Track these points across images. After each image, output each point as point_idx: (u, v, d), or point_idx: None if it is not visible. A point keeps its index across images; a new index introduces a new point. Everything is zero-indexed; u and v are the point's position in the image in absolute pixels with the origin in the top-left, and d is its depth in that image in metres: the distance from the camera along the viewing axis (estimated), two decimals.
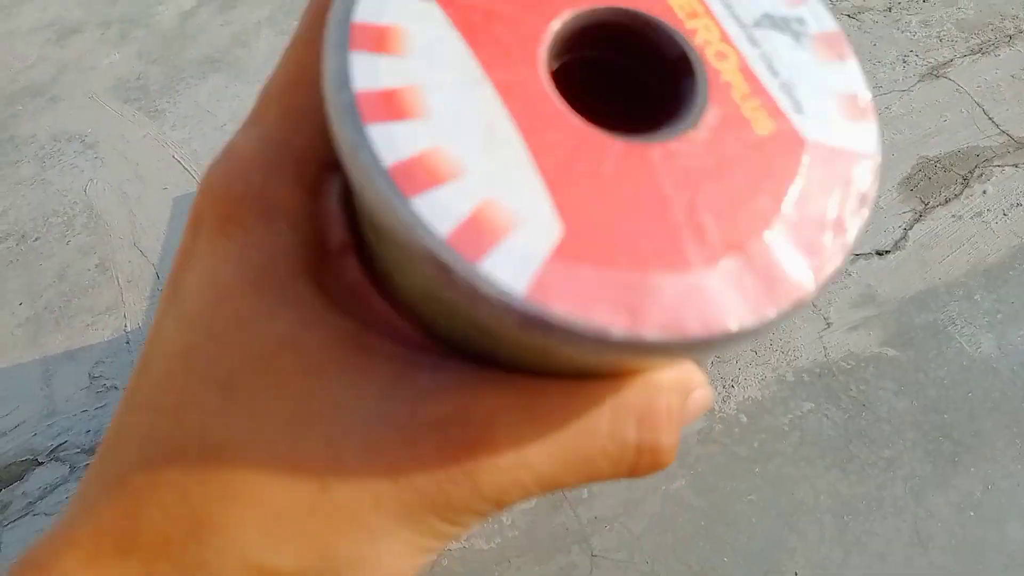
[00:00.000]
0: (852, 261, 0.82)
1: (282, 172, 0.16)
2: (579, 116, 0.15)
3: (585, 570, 0.66)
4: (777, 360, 0.75)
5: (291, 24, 1.12)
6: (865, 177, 0.15)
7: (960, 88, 0.99)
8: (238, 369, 0.15)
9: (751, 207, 0.14)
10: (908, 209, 0.86)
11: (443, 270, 0.13)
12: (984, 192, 0.87)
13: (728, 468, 0.70)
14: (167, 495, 0.14)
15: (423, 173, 0.13)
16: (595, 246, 0.13)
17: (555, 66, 0.15)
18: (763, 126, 0.15)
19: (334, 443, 0.14)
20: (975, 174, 0.89)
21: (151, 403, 0.15)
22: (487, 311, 0.13)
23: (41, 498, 0.71)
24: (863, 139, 0.15)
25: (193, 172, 0.94)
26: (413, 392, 0.15)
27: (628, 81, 0.17)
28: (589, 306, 0.13)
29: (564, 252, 0.13)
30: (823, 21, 0.16)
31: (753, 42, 0.15)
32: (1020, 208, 0.86)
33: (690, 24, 0.15)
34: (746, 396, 0.73)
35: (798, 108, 0.15)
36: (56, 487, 0.72)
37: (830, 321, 0.77)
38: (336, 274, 0.16)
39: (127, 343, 0.83)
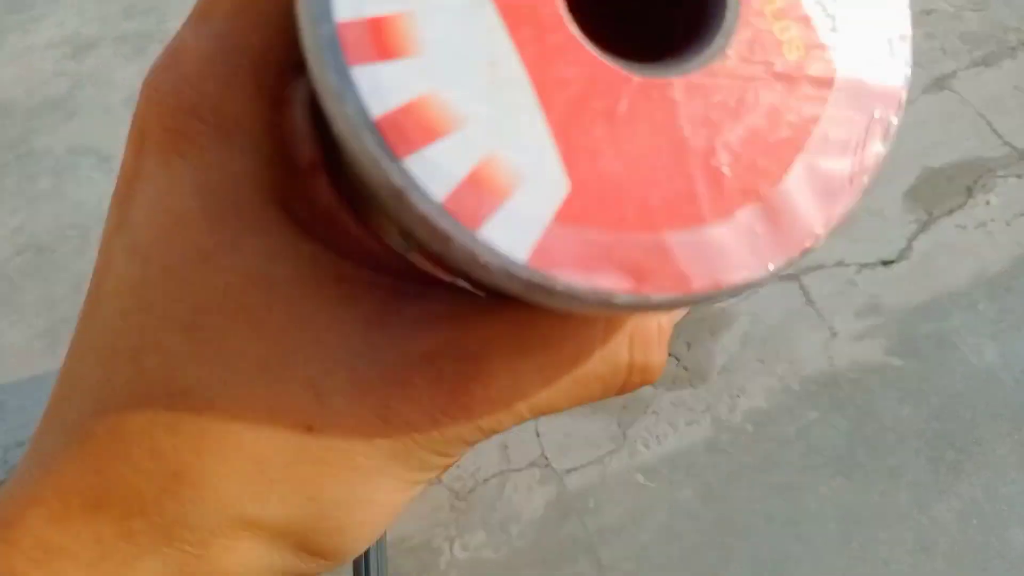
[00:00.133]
0: (857, 271, 0.83)
1: (239, 79, 0.14)
2: (593, 43, 0.13)
3: None
4: (783, 370, 0.76)
5: None
6: (890, 114, 0.14)
7: (964, 99, 1.00)
8: (202, 308, 0.13)
9: (772, 148, 0.13)
10: (913, 219, 0.87)
11: (439, 235, 0.12)
12: (988, 203, 0.88)
13: (735, 477, 0.70)
14: (134, 448, 0.13)
15: (417, 126, 0.12)
16: (603, 205, 0.12)
17: None
18: (794, 49, 0.13)
19: (317, 383, 0.13)
20: (979, 185, 0.90)
21: (105, 346, 0.14)
22: (486, 275, 0.12)
23: None
24: (894, 73, 0.14)
25: None
26: (399, 325, 0.14)
27: None
28: (594, 272, 0.12)
29: (570, 213, 0.12)
30: None
31: None
32: (1021, 219, 0.86)
33: None
34: (752, 406, 0.74)
35: (834, 27, 0.14)
36: None
37: (836, 331, 0.78)
38: (306, 196, 0.15)
39: None
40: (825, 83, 0.13)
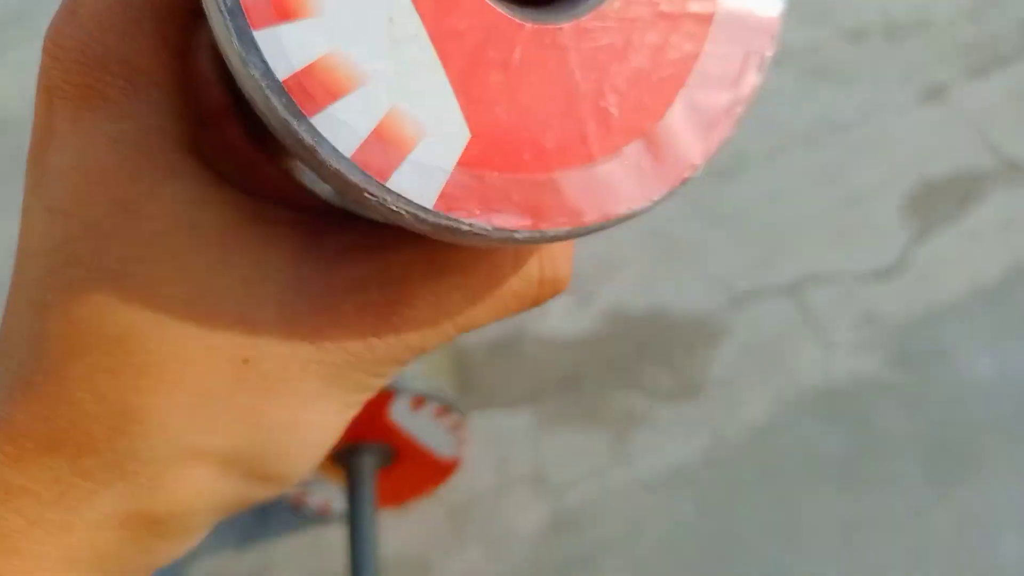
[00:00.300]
0: (853, 282, 0.83)
1: (142, 28, 0.14)
2: None
3: None
4: (781, 382, 0.76)
5: None
6: (765, 47, 0.14)
7: (959, 110, 1.00)
8: (129, 258, 0.14)
9: (656, 86, 0.14)
10: (908, 230, 0.88)
11: (350, 186, 0.13)
12: (981, 214, 0.88)
13: (732, 490, 0.71)
14: (76, 393, 0.14)
15: (321, 86, 0.13)
16: (501, 150, 0.13)
17: None
18: None
19: (249, 318, 0.14)
20: (973, 195, 0.90)
21: (37, 301, 0.14)
22: (399, 220, 0.13)
23: None
24: (770, 6, 0.15)
25: None
26: (323, 258, 0.15)
27: None
28: (495, 212, 0.13)
29: (471, 159, 0.13)
30: None
31: None
32: (1016, 229, 0.87)
33: None
34: (750, 418, 0.74)
35: None
36: None
37: (832, 343, 0.78)
38: (219, 142, 0.16)
39: None
40: (705, 19, 0.14)
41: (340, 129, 0.13)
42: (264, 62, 0.13)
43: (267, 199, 0.15)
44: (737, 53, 0.14)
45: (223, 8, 0.13)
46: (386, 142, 0.13)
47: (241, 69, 0.13)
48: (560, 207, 0.14)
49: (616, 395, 0.77)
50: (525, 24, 0.13)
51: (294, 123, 0.13)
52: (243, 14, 0.12)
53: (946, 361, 0.76)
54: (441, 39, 0.13)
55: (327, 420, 0.15)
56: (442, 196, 0.13)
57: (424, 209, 0.13)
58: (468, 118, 0.13)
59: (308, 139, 0.13)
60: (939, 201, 0.90)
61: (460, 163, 0.13)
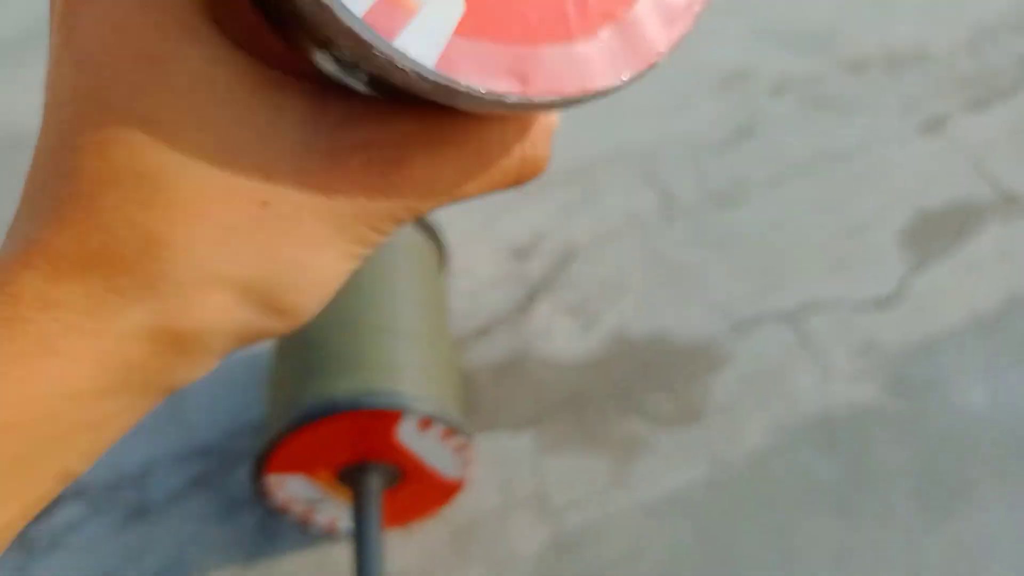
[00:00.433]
0: (851, 311, 0.84)
1: None
2: None
3: None
4: (780, 409, 0.78)
5: None
6: None
7: (957, 142, 1.02)
8: (156, 106, 0.15)
9: None
10: (906, 260, 0.89)
11: (362, 44, 0.14)
12: (977, 245, 0.90)
13: (731, 516, 0.72)
14: (109, 220, 0.15)
15: None
16: (492, 23, 0.15)
17: None
18: None
19: (266, 167, 0.16)
20: (971, 227, 0.92)
21: (68, 144, 0.15)
22: (401, 78, 0.15)
23: (66, 533, 0.74)
24: None
25: None
26: (330, 121, 0.16)
27: None
28: (487, 75, 0.15)
29: (466, 28, 0.15)
30: None
31: None
32: (1012, 261, 0.88)
33: None
34: (750, 445, 0.76)
35: None
36: (82, 523, 0.74)
37: (830, 371, 0.80)
38: (232, 15, 0.17)
39: None
40: None
41: None
42: None
43: (276, 68, 0.16)
44: None
45: None
46: (393, 6, 0.14)
47: None
48: (545, 77, 0.15)
49: (618, 419, 0.79)
50: None
51: None
52: None
53: (942, 391, 0.78)
54: None
55: (332, 264, 0.17)
56: (441, 58, 0.14)
57: (426, 68, 0.14)
58: None
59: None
60: (937, 232, 0.92)
61: (456, 31, 0.15)
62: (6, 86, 1.31)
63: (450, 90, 0.15)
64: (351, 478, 0.66)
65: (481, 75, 0.15)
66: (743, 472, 0.74)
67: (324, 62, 0.16)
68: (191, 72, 0.15)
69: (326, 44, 0.15)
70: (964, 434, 0.75)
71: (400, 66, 0.14)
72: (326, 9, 0.14)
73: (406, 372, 0.66)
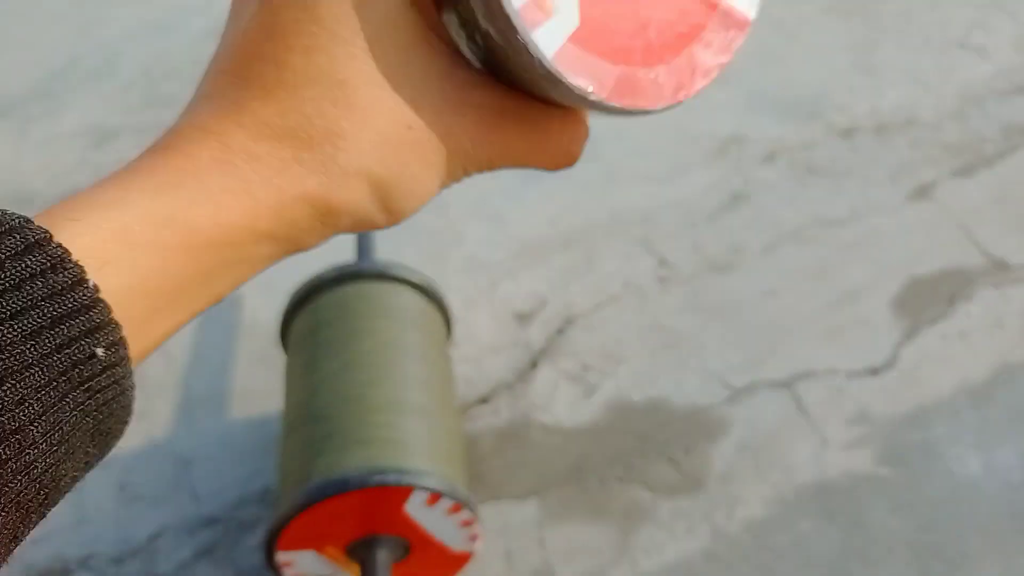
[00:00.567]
0: (846, 379, 0.86)
1: None
2: None
3: None
4: (778, 478, 0.79)
5: None
6: (739, 38, 0.22)
7: (946, 209, 1.05)
8: (355, 33, 0.20)
9: (677, 36, 0.21)
10: (899, 328, 0.91)
11: (511, 28, 0.19)
12: (968, 313, 0.92)
13: None
14: (307, 107, 0.20)
15: None
16: (593, 39, 0.20)
17: None
18: None
19: (416, 102, 0.21)
20: (961, 294, 0.94)
21: (278, 40, 0.20)
22: (526, 59, 0.19)
23: None
24: (750, 10, 0.22)
25: None
26: (459, 82, 0.21)
27: None
28: (582, 76, 0.20)
29: (576, 39, 0.20)
30: None
31: None
32: (1003, 328, 0.90)
33: None
34: (749, 515, 0.77)
35: None
36: None
37: (827, 439, 0.81)
38: None
39: (156, 450, 0.86)
40: (712, 6, 0.22)
41: None
42: None
43: (432, 30, 0.21)
44: (724, 36, 0.22)
45: None
46: (538, 8, 0.19)
47: None
48: (616, 88, 0.20)
49: (619, 488, 0.80)
50: None
51: None
52: None
53: (936, 459, 0.79)
54: None
55: (433, 185, 0.22)
56: (557, 55, 0.19)
57: (546, 58, 0.19)
58: (581, 12, 0.20)
59: None
60: (928, 300, 0.94)
61: (569, 39, 0.20)
62: (14, 142, 1.32)
63: (555, 79, 0.19)
64: (360, 553, 0.67)
65: (578, 74, 0.20)
66: (743, 543, 0.75)
67: (457, 35, 0.21)
68: (385, 14, 0.20)
69: (475, 23, 0.20)
70: (959, 503, 0.76)
71: (531, 51, 0.19)
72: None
73: (414, 447, 0.67)
